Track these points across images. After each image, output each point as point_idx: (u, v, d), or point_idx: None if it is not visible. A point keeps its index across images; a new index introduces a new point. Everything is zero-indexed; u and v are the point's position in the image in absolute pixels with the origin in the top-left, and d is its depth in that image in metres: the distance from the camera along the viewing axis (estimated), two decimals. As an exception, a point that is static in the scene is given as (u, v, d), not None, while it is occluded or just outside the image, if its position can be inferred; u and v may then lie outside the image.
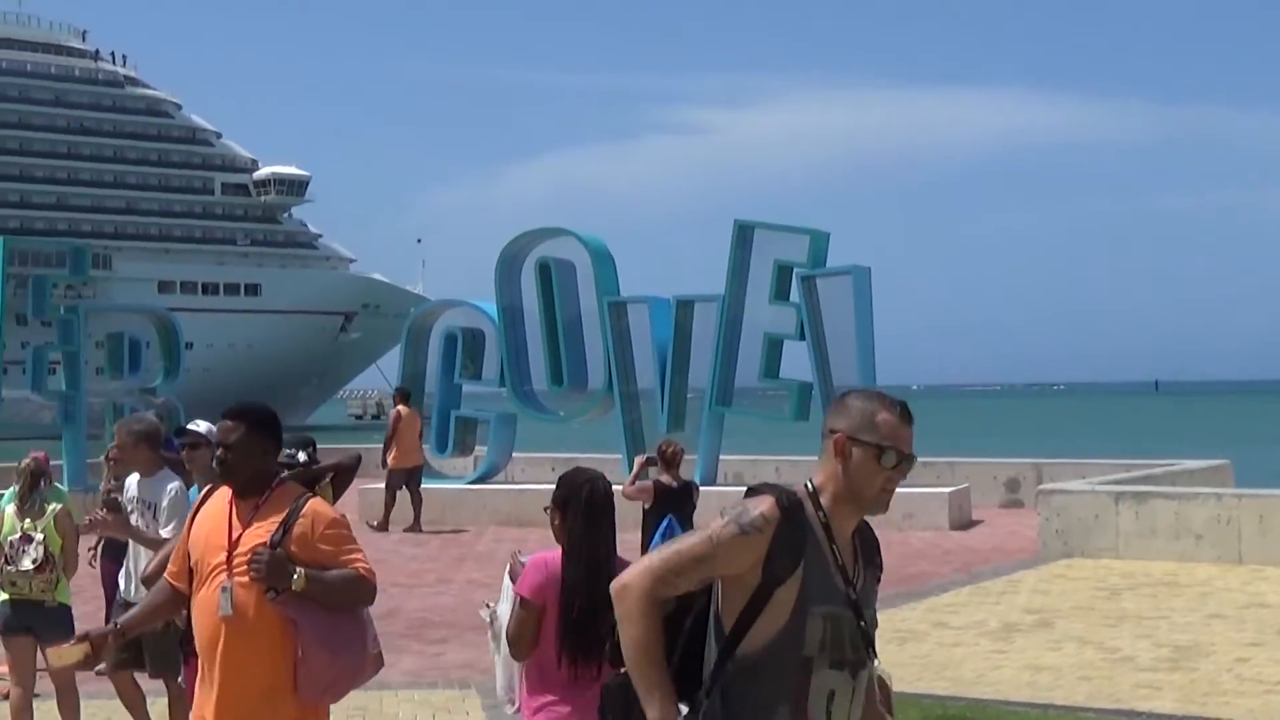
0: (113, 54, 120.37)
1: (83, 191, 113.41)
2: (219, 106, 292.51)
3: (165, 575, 6.85)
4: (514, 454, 28.09)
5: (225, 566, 6.40)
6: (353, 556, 6.47)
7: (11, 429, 29.76)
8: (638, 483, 14.41)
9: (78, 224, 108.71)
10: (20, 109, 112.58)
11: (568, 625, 6.65)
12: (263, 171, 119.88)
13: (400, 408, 26.19)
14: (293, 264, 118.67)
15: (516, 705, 7.13)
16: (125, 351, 29.87)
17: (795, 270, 25.11)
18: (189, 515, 6.84)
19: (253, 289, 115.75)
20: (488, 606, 7.58)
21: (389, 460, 25.29)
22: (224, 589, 6.35)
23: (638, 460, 15.19)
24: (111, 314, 43.89)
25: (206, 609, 6.47)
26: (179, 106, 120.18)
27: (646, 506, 14.17)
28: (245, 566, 6.30)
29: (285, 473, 10.44)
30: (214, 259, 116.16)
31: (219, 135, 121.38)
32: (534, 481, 26.48)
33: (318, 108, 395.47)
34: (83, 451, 27.96)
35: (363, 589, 6.47)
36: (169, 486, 10.03)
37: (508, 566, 7.33)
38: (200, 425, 9.98)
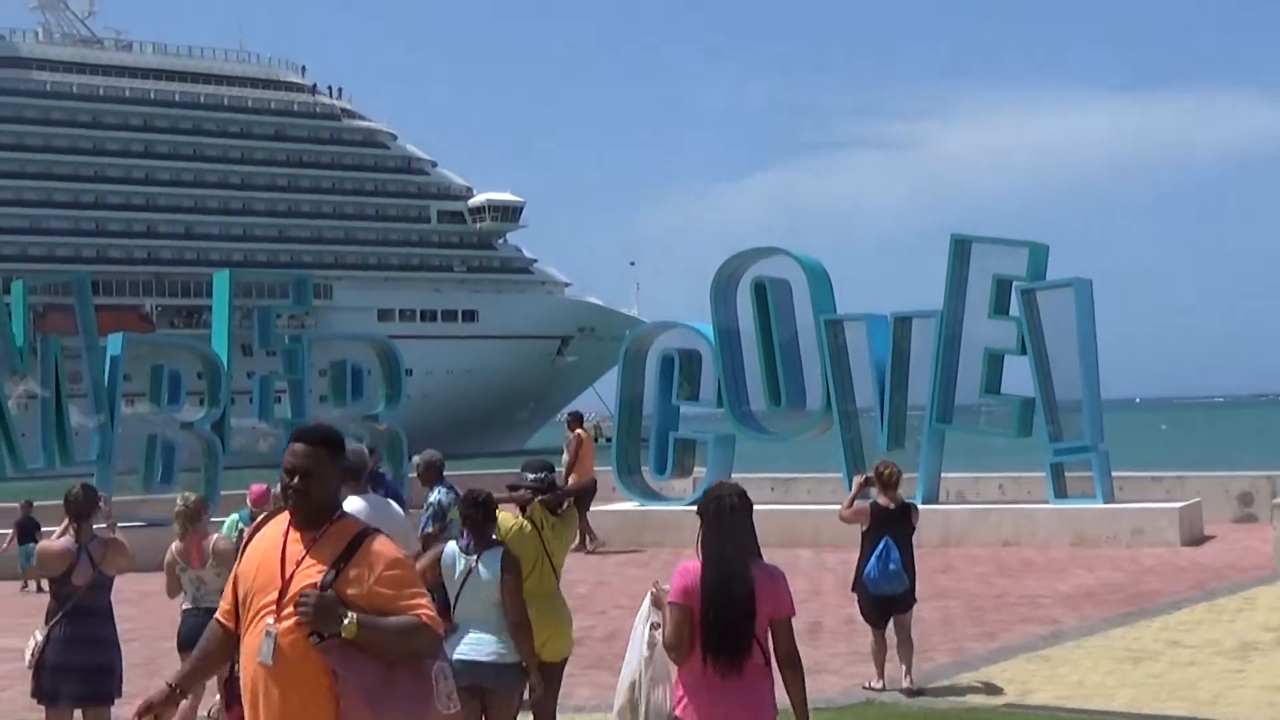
0: (330, 88, 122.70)
1: (303, 223, 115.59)
2: (433, 136, 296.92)
3: (216, 616, 6.23)
4: (733, 474, 28.03)
5: (275, 607, 5.84)
6: (415, 602, 5.84)
7: (239, 458, 30.28)
8: (855, 504, 14.29)
9: (299, 255, 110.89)
10: (242, 144, 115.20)
11: (705, 627, 7.28)
12: (477, 198, 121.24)
13: (579, 431, 26.46)
14: (508, 289, 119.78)
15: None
16: (348, 379, 30.30)
17: (1015, 284, 24.83)
18: (241, 548, 6.29)
19: (470, 315, 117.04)
20: (653, 627, 8.42)
21: (570, 484, 25.32)
22: (268, 633, 5.80)
23: (856, 481, 15.00)
24: (334, 343, 44.73)
25: (250, 653, 5.92)
26: (394, 137, 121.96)
27: (864, 528, 14.02)
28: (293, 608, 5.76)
29: (533, 495, 10.61)
30: (431, 286, 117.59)
31: (434, 164, 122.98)
32: (754, 502, 26.35)
33: (530, 133, 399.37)
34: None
35: (424, 638, 5.84)
36: (388, 511, 10.19)
37: (649, 595, 8.20)
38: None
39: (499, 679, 9.33)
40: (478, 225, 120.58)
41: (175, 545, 12.22)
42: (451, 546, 9.64)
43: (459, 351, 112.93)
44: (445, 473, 14.34)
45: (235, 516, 14.11)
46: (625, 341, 29.71)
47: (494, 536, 9.65)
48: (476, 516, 9.54)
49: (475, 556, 9.43)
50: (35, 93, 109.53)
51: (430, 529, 13.33)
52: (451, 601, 9.41)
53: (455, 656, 9.12)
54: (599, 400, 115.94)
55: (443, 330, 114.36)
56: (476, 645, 9.36)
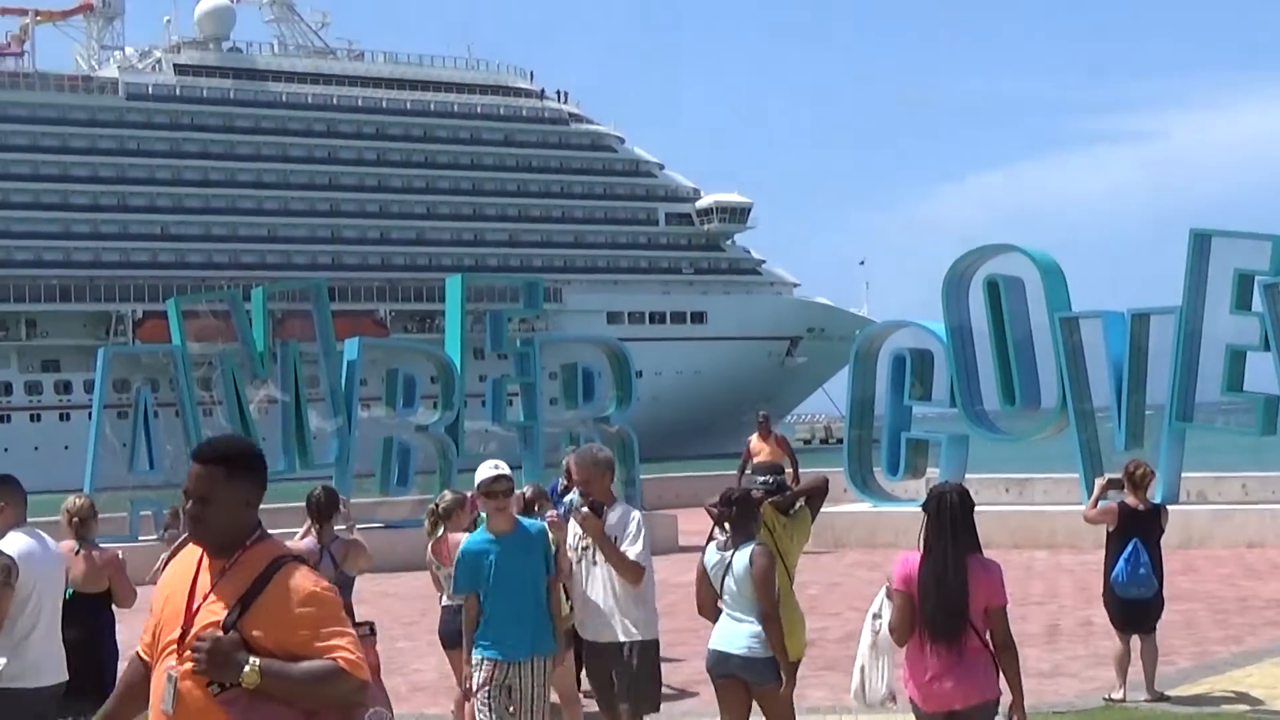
0: (558, 92, 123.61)
1: (532, 228, 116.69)
2: (660, 138, 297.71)
3: (137, 649, 5.54)
4: (966, 475, 27.77)
5: (177, 647, 5.14)
6: (334, 644, 5.04)
7: (473, 460, 30.64)
8: (1100, 505, 14.02)
9: (529, 259, 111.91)
10: (472, 150, 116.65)
11: (923, 613, 8.17)
12: (705, 200, 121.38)
13: (755, 436, 26.66)
14: (737, 290, 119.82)
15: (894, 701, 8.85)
16: (579, 382, 30.39)
17: (1257, 278, 24.28)
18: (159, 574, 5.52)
19: (698, 317, 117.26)
20: (877, 619, 8.85)
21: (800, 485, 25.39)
22: (169, 676, 5.11)
23: (1098, 482, 14.73)
24: (565, 345, 45.03)
25: (155, 697, 5.24)
26: (622, 140, 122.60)
27: (1110, 529, 13.70)
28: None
29: (764, 498, 10.66)
30: (660, 288, 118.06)
31: (661, 167, 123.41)
32: (989, 503, 26.13)
33: (758, 133, 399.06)
34: (539, 480, 28.64)
35: (343, 685, 5.04)
36: (633, 514, 10.23)
37: (883, 588, 8.74)
38: (505, 468, 9.97)
39: (750, 672, 9.49)
40: (706, 227, 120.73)
41: (430, 545, 12.46)
42: (712, 545, 9.84)
43: (688, 353, 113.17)
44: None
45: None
46: (856, 341, 29.58)
47: (755, 533, 9.76)
48: (729, 514, 9.70)
49: (731, 551, 9.59)
50: (271, 104, 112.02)
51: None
52: (715, 596, 9.69)
53: (711, 647, 9.70)
54: (829, 401, 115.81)
55: (672, 332, 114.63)
56: (730, 638, 9.57)
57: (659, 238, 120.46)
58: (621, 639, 10.02)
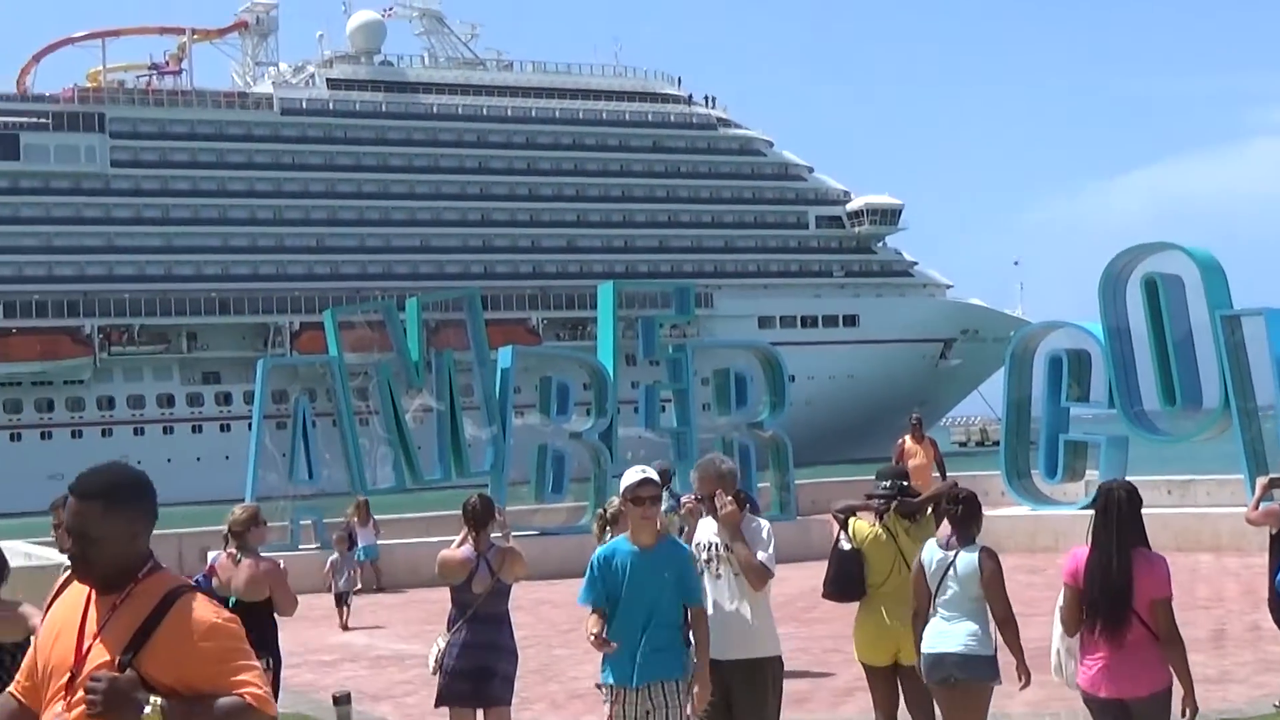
0: (706, 98, 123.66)
1: (682, 233, 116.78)
2: (809, 141, 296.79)
3: (10, 689, 5.13)
4: (1126, 477, 27.34)
5: (65, 692, 4.78)
6: (241, 678, 4.72)
7: (626, 466, 30.63)
8: (1262, 507, 13.68)
9: (679, 265, 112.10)
10: (621, 157, 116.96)
11: (1089, 604, 8.52)
12: (855, 202, 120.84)
13: (907, 438, 26.62)
14: (889, 293, 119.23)
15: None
16: (731, 387, 30.20)
17: None
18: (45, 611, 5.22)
19: (850, 320, 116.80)
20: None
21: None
22: None
23: (1260, 483, 14.41)
24: (717, 351, 44.94)
25: None
26: (770, 144, 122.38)
27: (1274, 532, 13.30)
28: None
29: (887, 503, 10.69)
30: (811, 292, 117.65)
31: (810, 170, 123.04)
32: (1150, 506, 25.60)
33: (908, 133, 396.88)
34: (689, 487, 28.61)
35: None
36: (760, 521, 9.88)
37: None
38: (654, 473, 9.35)
39: (966, 670, 9.66)
40: (856, 229, 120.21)
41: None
42: (931, 542, 9.97)
43: (840, 357, 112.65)
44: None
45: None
46: (1011, 343, 29.27)
47: (976, 534, 9.91)
48: (955, 513, 9.86)
49: (954, 552, 9.74)
50: (422, 115, 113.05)
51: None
52: (931, 594, 9.81)
53: (925, 650, 9.79)
54: (984, 403, 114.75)
55: (823, 336, 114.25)
56: (946, 638, 9.69)
57: (809, 241, 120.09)
58: (743, 656, 9.48)
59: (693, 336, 69.98)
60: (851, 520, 10.74)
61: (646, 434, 31.28)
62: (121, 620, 4.74)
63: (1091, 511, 8.86)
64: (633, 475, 9.18)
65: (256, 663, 4.82)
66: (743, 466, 27.39)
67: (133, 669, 4.64)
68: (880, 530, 10.62)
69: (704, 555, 9.61)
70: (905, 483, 10.94)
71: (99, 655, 4.70)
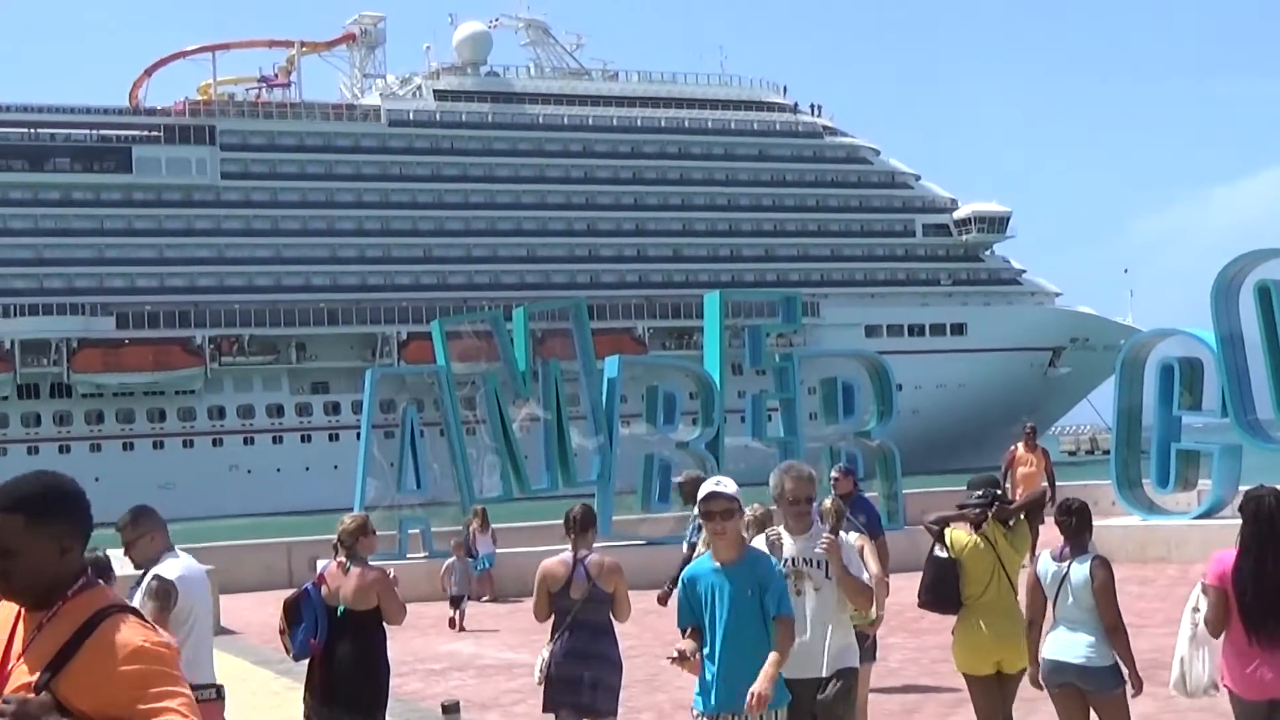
0: (812, 106, 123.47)
1: (788, 242, 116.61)
2: (916, 148, 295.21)
3: None
4: (1239, 487, 27.00)
5: None
6: (163, 705, 4.31)
7: (733, 475, 30.56)
8: None
9: (785, 274, 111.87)
10: (727, 166, 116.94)
11: (1240, 608, 8.61)
12: (963, 210, 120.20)
13: (1019, 446, 26.46)
14: (997, 301, 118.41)
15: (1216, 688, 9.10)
16: (839, 396, 30.03)
17: None
18: None
19: (958, 328, 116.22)
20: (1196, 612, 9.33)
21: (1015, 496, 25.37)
22: None
23: None
24: (824, 360, 44.88)
25: None
26: (877, 152, 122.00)
27: None
28: None
29: (985, 511, 10.68)
30: (918, 300, 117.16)
31: (917, 177, 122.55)
32: (1263, 515, 25.35)
33: (1016, 140, 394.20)
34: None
35: None
36: (847, 540, 9.51)
37: (1199, 585, 9.28)
38: (728, 485, 8.72)
39: (1087, 681, 9.76)
40: (964, 237, 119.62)
41: None
42: (1046, 554, 10.07)
43: (948, 365, 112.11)
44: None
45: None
46: (1121, 351, 28.96)
47: (1089, 544, 10.02)
48: (1070, 524, 9.93)
49: (1068, 563, 9.82)
50: (528, 125, 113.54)
51: (695, 540, 14.99)
52: (1050, 604, 9.93)
53: (1046, 656, 9.87)
54: (1094, 412, 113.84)
55: (931, 344, 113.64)
56: (1067, 647, 9.80)
57: (916, 249, 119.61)
58: (824, 674, 9.08)
59: (799, 345, 69.90)
60: (948, 530, 10.67)
61: (753, 443, 31.17)
62: (45, 640, 4.42)
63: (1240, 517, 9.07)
64: (704, 488, 8.66)
65: (185, 690, 4.39)
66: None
67: (49, 692, 4.32)
68: (979, 540, 10.55)
69: (785, 569, 8.98)
70: (998, 490, 10.91)
71: (20, 676, 4.41)
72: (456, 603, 23.01)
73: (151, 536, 10.12)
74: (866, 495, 18.65)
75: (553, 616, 11.43)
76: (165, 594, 9.47)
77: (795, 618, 8.73)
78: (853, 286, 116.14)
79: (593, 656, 11.27)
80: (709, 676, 8.47)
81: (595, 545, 11.73)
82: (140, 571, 10.05)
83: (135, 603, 10.08)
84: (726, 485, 8.61)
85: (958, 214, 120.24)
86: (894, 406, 31.36)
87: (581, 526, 11.55)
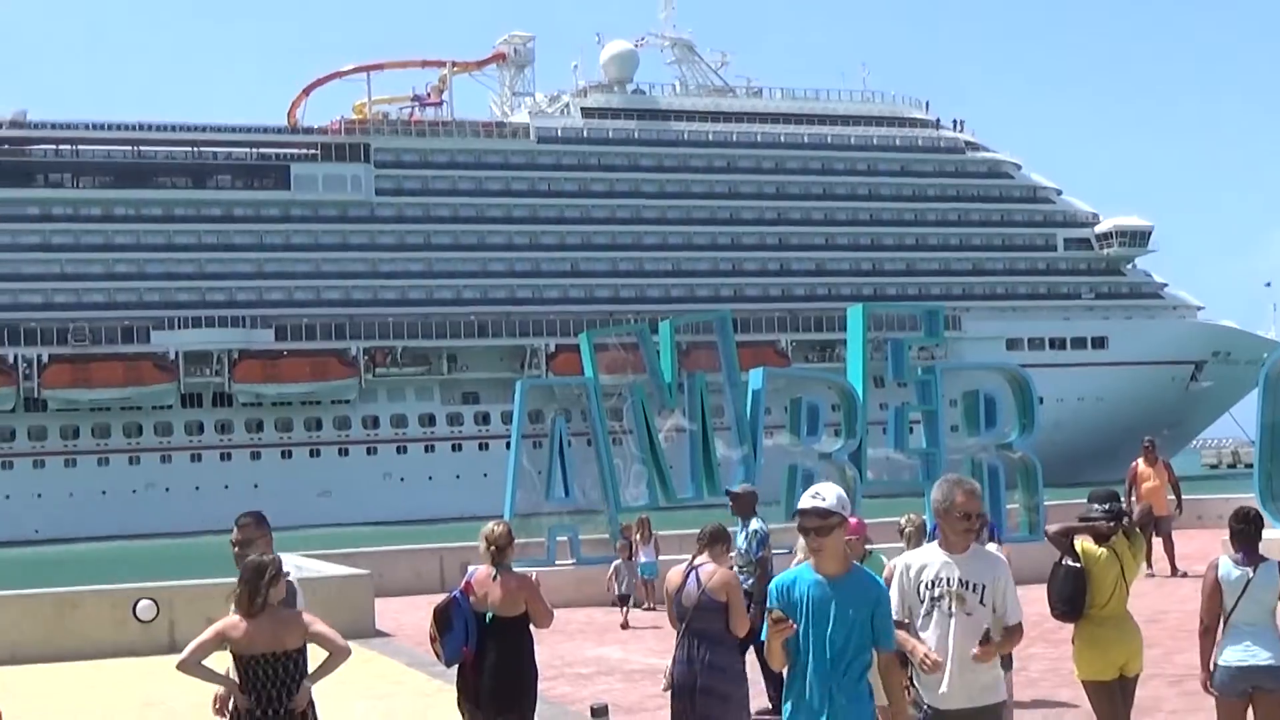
0: (954, 121, 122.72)
1: (930, 256, 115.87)
2: (1058, 163, 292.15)
3: None
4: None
5: None
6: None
7: (876, 487, 30.41)
8: None
9: (927, 288, 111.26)
10: (869, 181, 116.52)
11: None
12: (1104, 225, 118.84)
13: (1140, 461, 27.12)
14: (1138, 315, 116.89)
15: None
16: (980, 408, 29.75)
17: None
18: None
19: (1099, 342, 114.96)
20: None
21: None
22: None
23: None
24: (966, 372, 44.48)
25: None
26: (1018, 167, 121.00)
27: None
28: None
29: (1113, 524, 10.70)
30: (1059, 314, 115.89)
31: (1059, 192, 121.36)
32: None
33: (1157, 154, 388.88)
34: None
35: None
36: (997, 559, 8.70)
37: None
38: (827, 498, 7.86)
39: (1275, 680, 9.83)
40: (1105, 252, 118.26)
41: None
42: (1225, 559, 10.13)
43: (1089, 379, 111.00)
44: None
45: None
46: (1264, 364, 28.46)
47: (1260, 550, 10.13)
48: (1249, 531, 10.08)
49: (1251, 568, 9.93)
50: (674, 142, 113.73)
51: (761, 553, 16.16)
52: (1228, 611, 9.96)
53: (1232, 663, 9.88)
54: (1236, 425, 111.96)
55: (1072, 358, 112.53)
56: (1252, 651, 9.89)
57: (1058, 263, 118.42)
58: (973, 705, 8.27)
59: (941, 358, 69.38)
60: (1078, 540, 10.67)
61: (895, 455, 31.02)
62: None
63: None
64: (802, 500, 7.84)
65: None
66: (992, 487, 27.10)
67: None
68: (1107, 551, 10.59)
69: (935, 591, 8.24)
70: (1118, 503, 10.95)
71: None
72: (624, 601, 23.47)
73: (267, 540, 10.40)
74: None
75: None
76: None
77: (945, 640, 8.15)
78: (994, 300, 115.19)
79: (709, 666, 11.15)
80: (805, 698, 7.65)
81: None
82: None
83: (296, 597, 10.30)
84: (825, 497, 7.79)
85: (1099, 228, 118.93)
86: (1036, 419, 31.00)
87: (709, 541, 11.59)
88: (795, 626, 7.55)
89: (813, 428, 29.08)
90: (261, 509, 11.34)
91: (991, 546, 10.15)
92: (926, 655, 8.06)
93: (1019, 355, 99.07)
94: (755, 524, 16.72)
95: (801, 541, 11.65)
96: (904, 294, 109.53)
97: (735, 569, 16.01)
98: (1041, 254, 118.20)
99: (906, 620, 8.20)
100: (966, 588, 8.18)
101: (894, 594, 8.18)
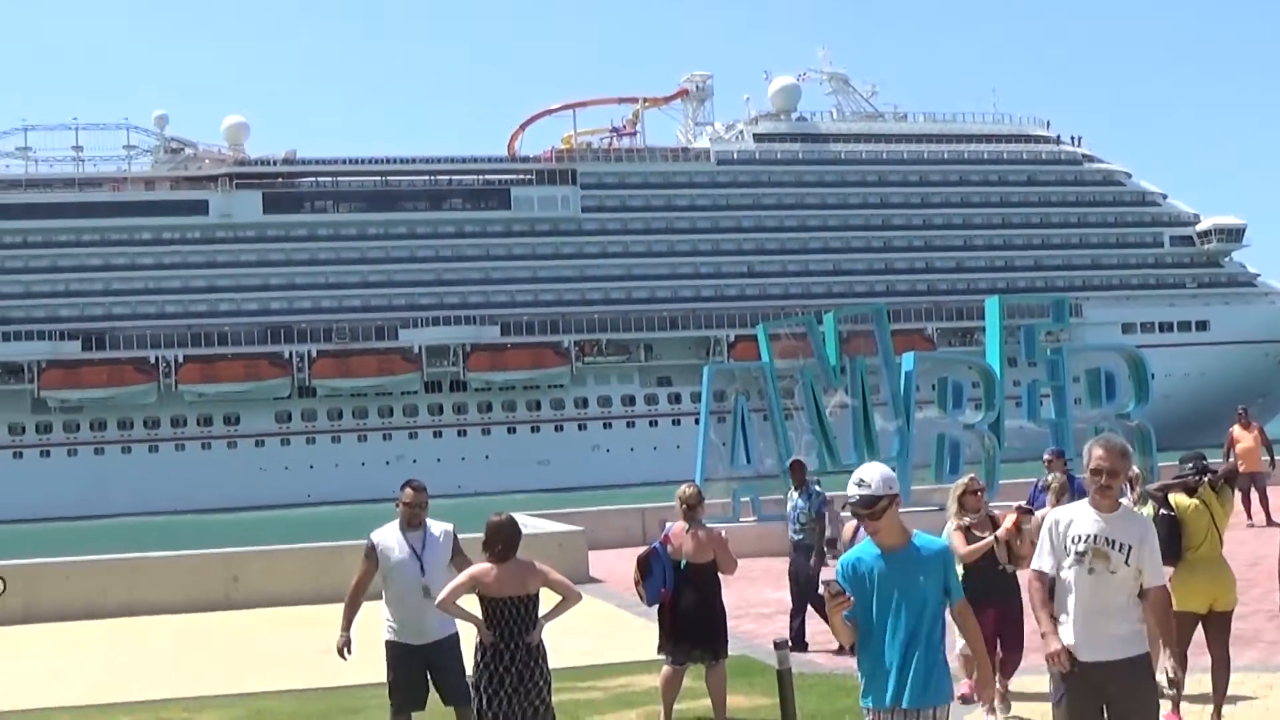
0: (1072, 137, 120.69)
1: (1054, 253, 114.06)
2: (1163, 170, 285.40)
3: None
4: None
5: None
6: None
7: (1012, 452, 30.05)
8: None
9: (1052, 281, 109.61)
10: (1000, 190, 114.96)
11: None
12: (1204, 223, 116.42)
13: (1236, 426, 26.77)
14: (1235, 301, 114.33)
15: None
16: (1102, 384, 29.42)
17: None
18: None
19: (1201, 325, 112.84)
20: None
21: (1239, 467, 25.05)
22: None
23: None
24: (1088, 353, 43.72)
25: None
26: (1129, 175, 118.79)
27: None
28: None
29: (1197, 480, 10.67)
30: (1165, 302, 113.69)
31: (1164, 196, 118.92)
32: None
33: (1252, 156, 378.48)
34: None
35: None
36: (1140, 521, 7.65)
37: None
38: (869, 480, 7.03)
39: None
40: (1205, 246, 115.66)
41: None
42: None
43: (1193, 357, 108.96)
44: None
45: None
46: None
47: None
48: None
49: None
50: (833, 161, 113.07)
51: (822, 510, 16.08)
52: None
53: None
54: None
55: (1177, 339, 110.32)
56: None
57: (1164, 258, 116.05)
58: (1123, 655, 7.30)
59: (1066, 341, 68.17)
60: (1171, 495, 10.81)
61: (1028, 425, 30.68)
62: None
63: None
64: (849, 490, 7.03)
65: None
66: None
67: None
68: (1196, 502, 10.71)
69: (1079, 546, 7.30)
70: (1205, 464, 11.03)
71: None
72: (832, 544, 23.30)
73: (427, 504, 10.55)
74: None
75: None
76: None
77: (1089, 597, 7.26)
78: (1110, 290, 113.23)
79: None
80: (877, 670, 6.82)
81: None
82: (415, 529, 10.31)
83: (441, 551, 10.28)
84: (869, 483, 6.96)
85: (1200, 226, 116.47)
86: (1149, 392, 30.44)
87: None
88: (852, 600, 6.78)
89: (957, 402, 28.82)
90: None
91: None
92: (1054, 654, 7.25)
93: (1133, 337, 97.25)
94: (815, 487, 16.79)
95: (953, 505, 11.52)
96: (1033, 286, 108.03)
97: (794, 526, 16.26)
98: (1150, 250, 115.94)
99: (1052, 575, 7.36)
100: (1111, 546, 7.27)
101: (1044, 546, 7.42)
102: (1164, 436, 37.54)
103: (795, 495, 16.58)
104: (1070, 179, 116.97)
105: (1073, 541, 7.31)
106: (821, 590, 7.08)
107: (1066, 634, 7.28)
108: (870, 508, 6.90)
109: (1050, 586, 7.36)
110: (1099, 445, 7.37)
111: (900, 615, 6.77)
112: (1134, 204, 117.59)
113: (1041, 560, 7.41)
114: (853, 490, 6.94)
